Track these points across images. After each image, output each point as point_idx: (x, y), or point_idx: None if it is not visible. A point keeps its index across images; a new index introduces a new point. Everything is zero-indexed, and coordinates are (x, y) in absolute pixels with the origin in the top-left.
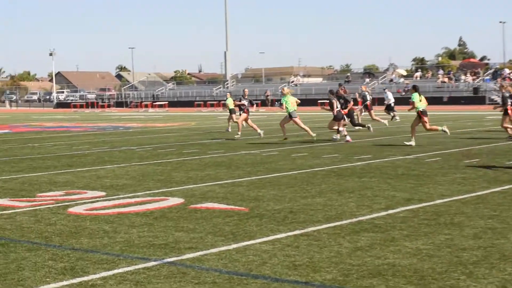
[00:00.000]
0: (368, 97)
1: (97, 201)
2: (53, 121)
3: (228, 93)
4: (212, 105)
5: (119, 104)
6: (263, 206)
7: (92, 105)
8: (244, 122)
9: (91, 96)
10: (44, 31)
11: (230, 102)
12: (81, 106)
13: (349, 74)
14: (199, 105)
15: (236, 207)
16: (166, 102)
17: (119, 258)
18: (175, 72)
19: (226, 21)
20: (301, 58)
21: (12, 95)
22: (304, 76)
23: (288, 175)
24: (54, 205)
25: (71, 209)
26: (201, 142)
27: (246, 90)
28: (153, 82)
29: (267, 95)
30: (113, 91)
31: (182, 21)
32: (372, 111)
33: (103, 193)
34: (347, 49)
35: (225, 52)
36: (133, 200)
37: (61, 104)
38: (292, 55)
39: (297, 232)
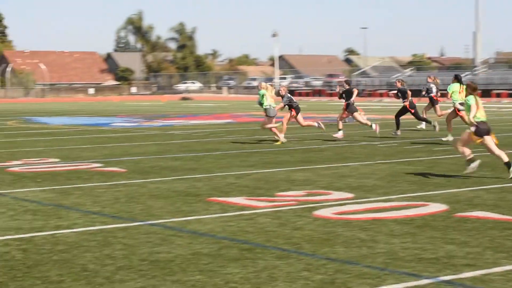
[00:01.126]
0: (434, 89)
1: (346, 203)
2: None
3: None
4: None
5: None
6: None
7: (318, 93)
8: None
9: (317, 83)
10: (266, 11)
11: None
12: (307, 94)
13: None
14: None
15: None
16: None
17: (384, 272)
18: (412, 56)
19: None
20: None
21: (230, 81)
22: None
23: None
24: (297, 207)
25: (317, 212)
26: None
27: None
28: (388, 67)
29: None
30: (342, 77)
31: None
32: (437, 106)
33: (351, 195)
34: None
35: (474, 33)
36: (387, 204)
37: None
38: None
39: None
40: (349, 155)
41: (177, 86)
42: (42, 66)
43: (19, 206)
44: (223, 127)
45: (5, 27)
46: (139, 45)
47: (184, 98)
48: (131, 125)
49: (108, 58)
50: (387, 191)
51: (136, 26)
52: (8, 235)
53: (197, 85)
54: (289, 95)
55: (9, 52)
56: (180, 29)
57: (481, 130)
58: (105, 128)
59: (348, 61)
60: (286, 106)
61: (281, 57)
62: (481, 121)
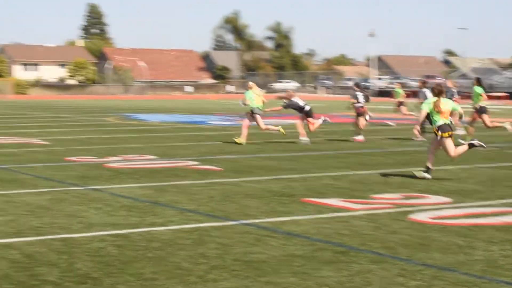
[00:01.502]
0: (455, 94)
1: (443, 208)
2: (373, 111)
3: (397, 83)
4: None
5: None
6: None
7: (415, 94)
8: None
9: (414, 84)
10: (363, 10)
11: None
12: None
13: None
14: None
15: None
16: (505, 94)
17: (482, 281)
18: None
19: None
20: None
21: (327, 81)
22: None
23: None
24: (393, 210)
25: (413, 216)
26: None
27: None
28: (487, 69)
29: None
30: (439, 78)
31: None
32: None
33: (449, 199)
34: None
35: None
36: (486, 210)
37: (381, 92)
38: None
39: None
40: (447, 158)
41: (274, 85)
42: (141, 64)
43: (116, 202)
44: (319, 127)
45: (105, 24)
46: (236, 44)
47: (281, 97)
48: (228, 123)
49: (206, 56)
50: (487, 196)
51: (233, 25)
52: (104, 231)
53: (293, 84)
54: (293, 100)
55: (109, 49)
56: (277, 28)
57: (444, 129)
58: (202, 126)
59: (446, 62)
60: (296, 111)
61: (378, 58)
62: (443, 123)
